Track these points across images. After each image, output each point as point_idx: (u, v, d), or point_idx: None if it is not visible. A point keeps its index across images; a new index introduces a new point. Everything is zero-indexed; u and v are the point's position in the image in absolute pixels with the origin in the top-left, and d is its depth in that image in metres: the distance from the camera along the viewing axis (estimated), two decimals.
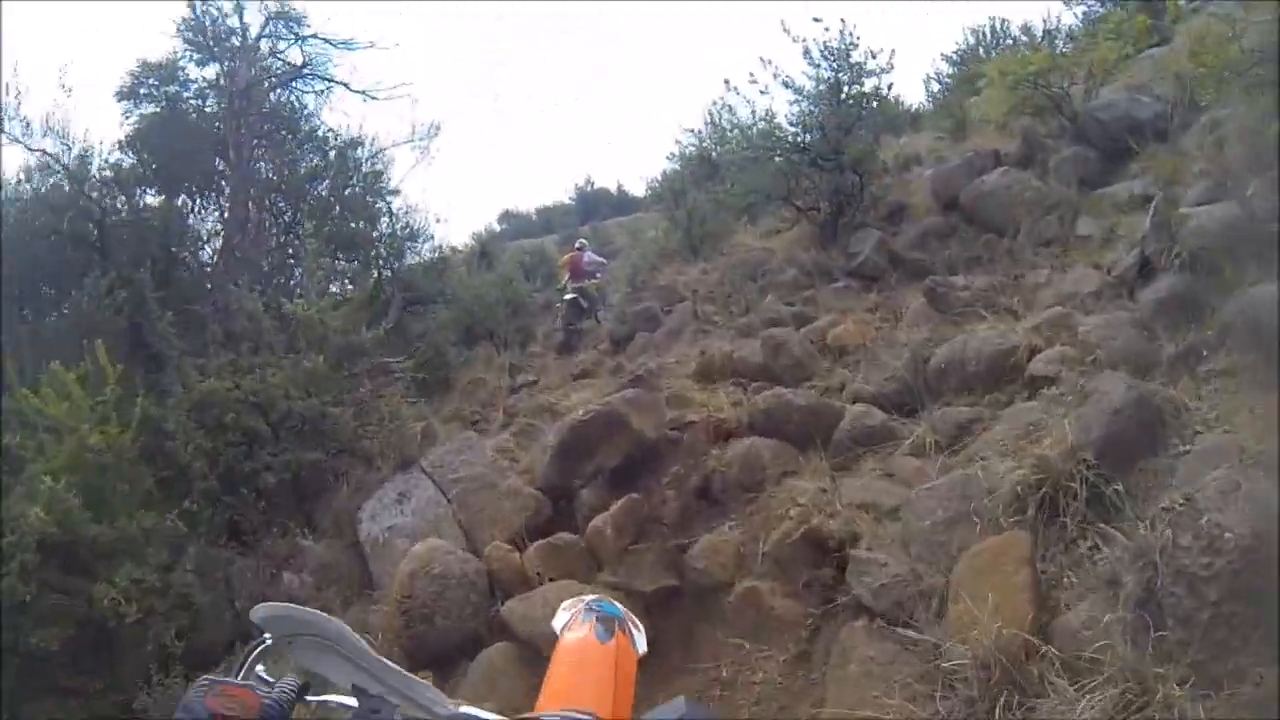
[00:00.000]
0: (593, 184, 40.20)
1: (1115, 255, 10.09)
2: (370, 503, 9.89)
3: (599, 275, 19.98)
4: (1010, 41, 22.09)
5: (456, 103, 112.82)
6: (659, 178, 27.31)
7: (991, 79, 14.54)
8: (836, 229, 14.49)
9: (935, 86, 25.33)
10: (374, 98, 17.59)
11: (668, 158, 25.41)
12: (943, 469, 7.68)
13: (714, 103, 23.48)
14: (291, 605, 1.52)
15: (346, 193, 17.55)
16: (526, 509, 9.12)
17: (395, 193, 18.36)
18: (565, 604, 2.42)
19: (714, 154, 23.19)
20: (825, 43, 14.57)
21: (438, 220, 19.62)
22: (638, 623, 2.41)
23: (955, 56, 24.44)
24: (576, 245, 20.52)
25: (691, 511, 8.67)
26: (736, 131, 16.71)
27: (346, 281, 17.18)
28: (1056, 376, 7.80)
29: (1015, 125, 14.43)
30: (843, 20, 14.70)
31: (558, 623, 2.35)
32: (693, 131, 23.99)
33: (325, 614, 1.50)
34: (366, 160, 17.99)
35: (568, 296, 18.83)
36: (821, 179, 14.49)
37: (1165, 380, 7.16)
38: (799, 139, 14.54)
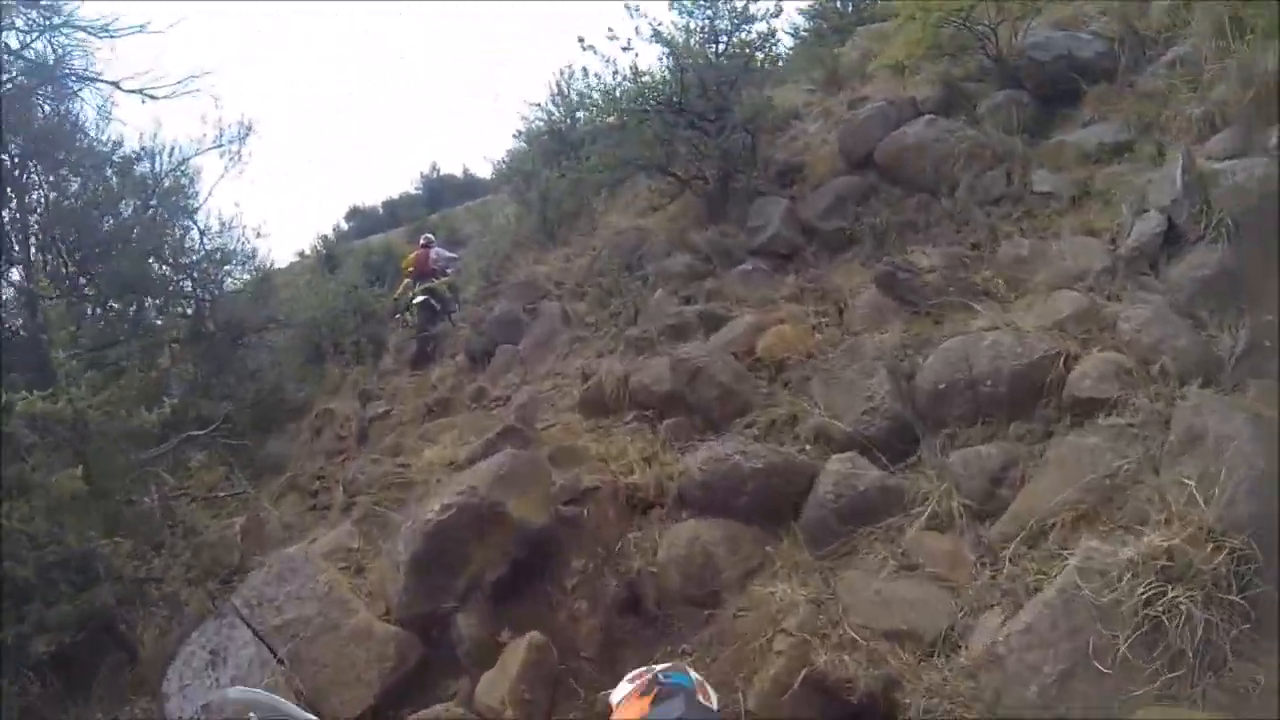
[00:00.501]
0: (438, 171, 37.31)
1: (1110, 219, 7.90)
2: (176, 667, 6.67)
3: (450, 271, 17.23)
4: None
5: (279, 101, 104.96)
6: (505, 159, 23.90)
7: (908, 16, 11.78)
8: (727, 198, 11.79)
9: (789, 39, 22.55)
10: (152, 96, 13.68)
11: (514, 136, 22.13)
12: (993, 558, 5.38)
13: (560, 71, 20.65)
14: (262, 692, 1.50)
15: (146, 215, 13.77)
16: (385, 659, 6.20)
17: (193, 211, 14.56)
18: (630, 674, 2.20)
19: (564, 127, 20.27)
20: None
21: (258, 234, 15.19)
22: (710, 693, 2.14)
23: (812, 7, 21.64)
24: (422, 241, 17.92)
25: (619, 636, 6.25)
26: (594, 96, 13.28)
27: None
28: (1116, 400, 5.80)
29: (927, 71, 11.81)
30: None
31: (616, 694, 2.15)
32: (539, 105, 20.77)
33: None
34: (165, 175, 14.24)
35: (417, 300, 16.15)
36: (705, 143, 11.55)
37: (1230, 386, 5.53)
38: (674, 98, 11.53)
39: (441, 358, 15.28)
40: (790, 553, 6.03)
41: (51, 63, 12.50)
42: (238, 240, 14.92)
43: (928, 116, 10.46)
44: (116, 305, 11.92)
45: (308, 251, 30.90)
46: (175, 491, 9.57)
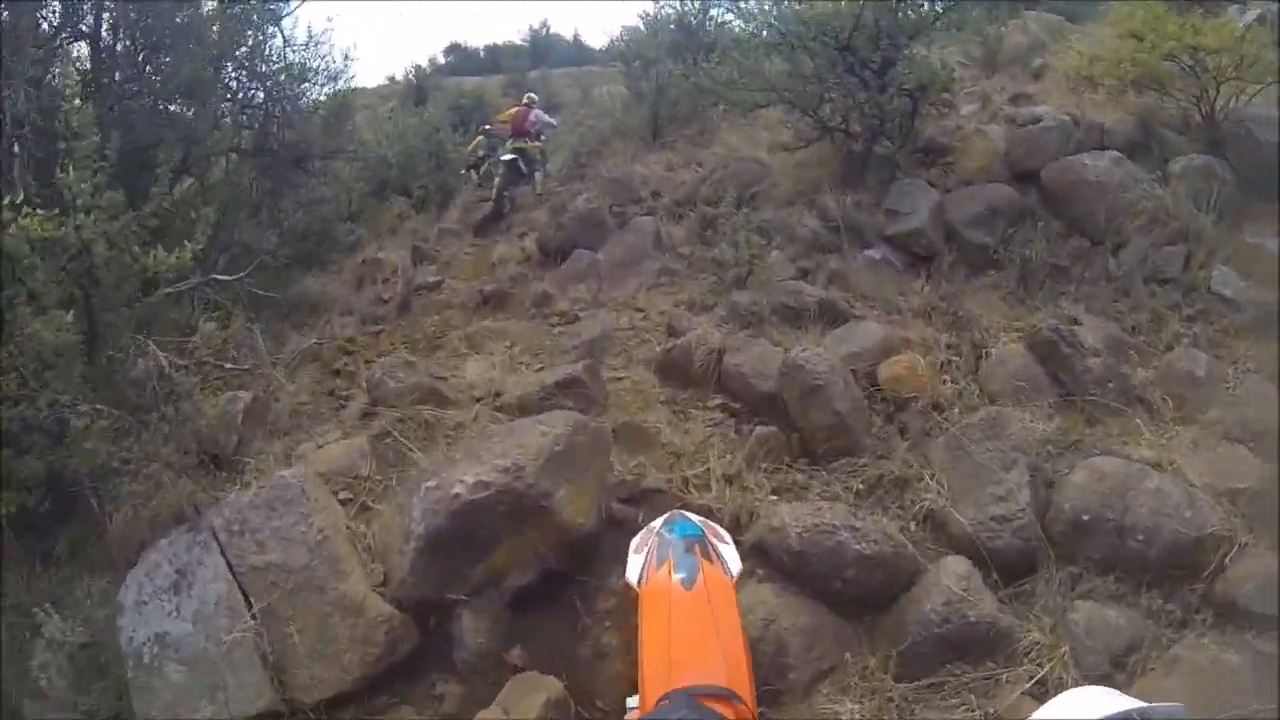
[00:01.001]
0: (548, 28, 35.62)
1: None
2: (136, 576, 5.45)
3: (544, 137, 15.75)
4: None
5: None
6: (623, 37, 22.00)
7: (1129, 32, 10.10)
8: (867, 164, 10.09)
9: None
10: None
11: (640, 15, 20.34)
12: None
13: None
14: None
15: (228, 9, 12.16)
16: (371, 644, 5.00)
17: (280, 18, 12.94)
18: (634, 543, 2.22)
19: (695, 21, 18.51)
20: None
21: (347, 57, 13.60)
22: (723, 534, 2.21)
23: None
24: (525, 99, 16.29)
25: None
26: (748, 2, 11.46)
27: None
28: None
29: (1112, 93, 10.37)
30: None
31: (632, 572, 2.13)
32: None
33: None
34: None
35: (506, 157, 14.69)
36: (863, 95, 9.79)
37: None
38: (845, 34, 9.69)
39: (510, 230, 13.88)
40: (868, 663, 4.84)
41: None
42: (324, 58, 13.61)
43: (1114, 154, 9.01)
44: (173, 108, 10.36)
45: (398, 78, 29.60)
46: (178, 349, 8.21)
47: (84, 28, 9.88)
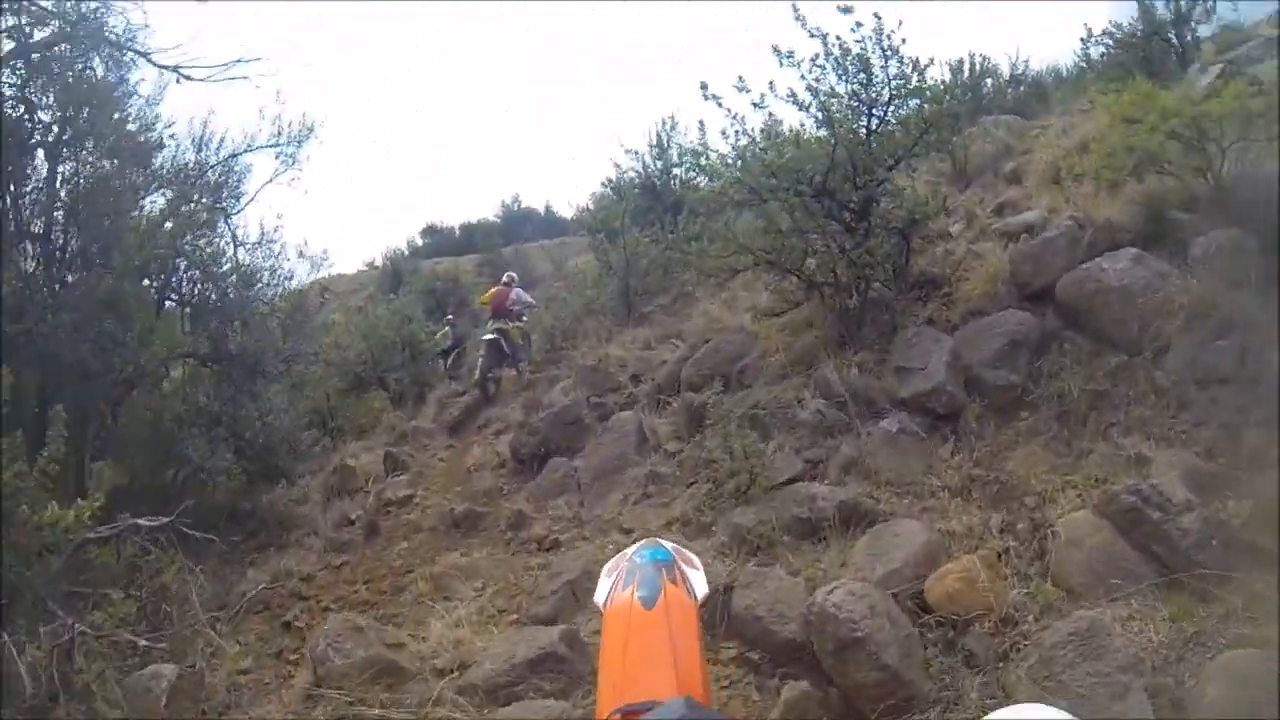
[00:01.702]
0: (520, 203, 35.53)
1: None
2: None
3: (525, 317, 15.30)
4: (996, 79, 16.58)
5: (350, 103, 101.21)
6: (590, 204, 20.99)
7: (1110, 117, 8.83)
8: (862, 319, 8.61)
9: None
10: (188, 77, 10.93)
11: (603, 183, 19.37)
12: None
13: (664, 120, 17.95)
14: None
15: (181, 208, 11.10)
16: None
17: (229, 214, 11.84)
18: (607, 567, 2.16)
19: (659, 182, 17.52)
20: (857, 40, 8.53)
21: (300, 254, 12.51)
22: (693, 559, 2.14)
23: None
24: (505, 279, 15.74)
25: None
26: (709, 157, 9.93)
27: None
28: None
29: (1101, 184, 8.82)
30: (877, 16, 8.52)
31: (600, 595, 2.08)
32: (634, 154, 18.01)
33: None
34: (210, 167, 11.56)
35: (487, 337, 14.25)
36: (847, 242, 8.47)
37: None
38: (819, 178, 8.39)
39: (486, 428, 12.66)
40: None
41: (73, 22, 9.86)
42: (276, 256, 12.51)
43: (1131, 251, 7.46)
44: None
45: (377, 263, 28.86)
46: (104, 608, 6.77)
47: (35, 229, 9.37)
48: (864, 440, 7.18)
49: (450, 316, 18.89)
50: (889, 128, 8.75)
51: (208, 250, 11.11)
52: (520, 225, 32.66)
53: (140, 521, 7.60)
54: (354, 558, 9.10)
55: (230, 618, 7.89)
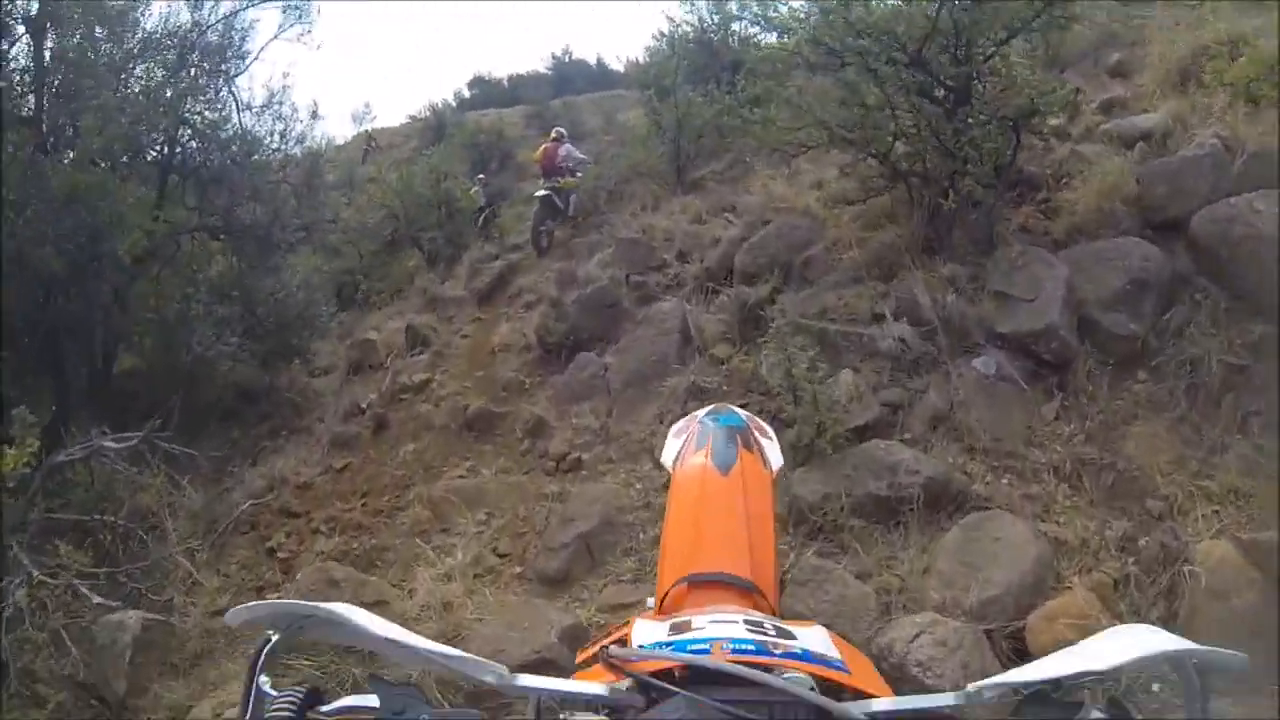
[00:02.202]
0: (570, 54, 32.55)
1: None
2: None
3: (579, 172, 14.11)
4: None
5: None
6: (645, 58, 19.00)
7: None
8: (954, 221, 6.74)
9: None
10: None
11: (655, 36, 17.48)
12: None
13: None
14: (279, 601, 0.99)
15: (180, 74, 9.69)
16: None
17: (233, 76, 10.35)
18: (675, 428, 2.03)
19: (715, 37, 15.58)
20: None
21: (313, 115, 11.01)
22: (766, 429, 1.96)
23: None
24: (554, 134, 14.65)
25: None
26: (780, 9, 7.90)
27: None
28: None
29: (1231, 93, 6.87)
30: None
31: (668, 455, 1.94)
32: (690, 4, 16.07)
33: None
34: (208, 27, 9.99)
35: (539, 194, 13.36)
36: (947, 128, 6.46)
37: None
38: (914, 46, 6.45)
39: (518, 299, 11.27)
40: None
41: None
42: (286, 119, 11.04)
43: None
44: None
45: (418, 115, 27.08)
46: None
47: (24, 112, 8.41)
48: (954, 382, 5.66)
49: (483, 176, 17.33)
50: None
51: (209, 117, 9.75)
52: (570, 78, 30.32)
53: (106, 443, 6.73)
54: (357, 459, 7.97)
55: (213, 543, 6.85)
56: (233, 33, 10.15)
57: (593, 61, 32.14)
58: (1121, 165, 6.68)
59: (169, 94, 9.12)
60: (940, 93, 6.69)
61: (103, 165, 7.94)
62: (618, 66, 27.44)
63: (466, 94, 31.78)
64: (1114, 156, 6.91)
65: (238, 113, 10.36)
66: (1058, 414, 5.44)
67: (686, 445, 1.87)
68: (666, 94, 12.94)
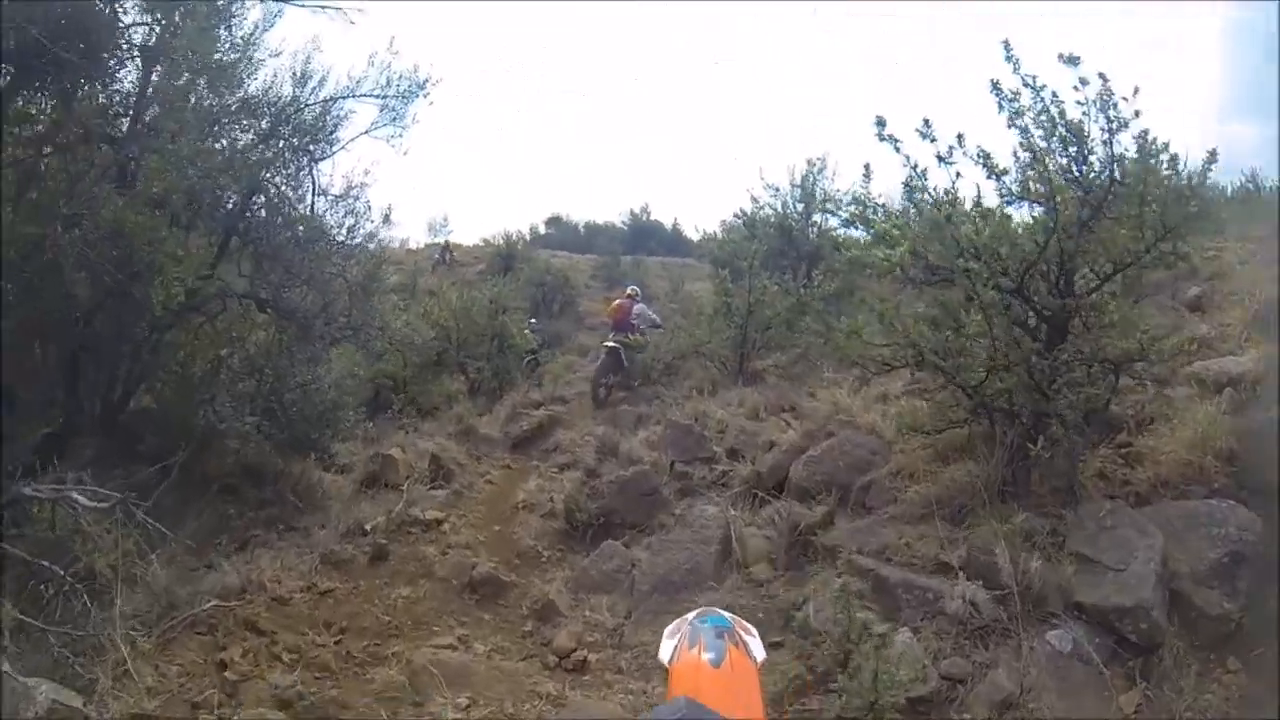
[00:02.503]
0: (649, 214, 33.11)
1: None
2: None
3: (647, 335, 14.06)
4: None
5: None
6: (718, 232, 18.83)
7: None
8: (1033, 465, 5.97)
9: None
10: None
11: (735, 214, 17.25)
12: None
13: (812, 160, 15.76)
14: None
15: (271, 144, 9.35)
16: None
17: (317, 159, 10.03)
18: (668, 630, 2.22)
19: (796, 225, 15.34)
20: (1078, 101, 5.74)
21: (385, 219, 10.45)
22: (749, 628, 2.19)
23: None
24: (629, 291, 15.22)
25: None
26: (874, 211, 6.95)
27: None
28: None
29: None
30: (1103, 77, 5.88)
31: (664, 653, 2.14)
32: (774, 189, 15.82)
33: None
34: (306, 105, 9.69)
35: (608, 344, 13.66)
36: (1040, 362, 5.79)
37: None
38: (1014, 271, 5.76)
39: (554, 453, 10.84)
40: None
41: None
42: (359, 215, 10.71)
43: None
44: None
45: (495, 240, 27.05)
46: None
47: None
48: (1025, 660, 4.83)
49: (534, 320, 17.72)
50: (1106, 221, 5.98)
51: (286, 193, 9.36)
52: (644, 237, 30.77)
53: (77, 496, 5.91)
54: (345, 586, 7.18)
55: (162, 634, 5.91)
56: (328, 117, 9.85)
57: (668, 225, 32.37)
58: (1211, 414, 5.92)
59: (252, 159, 8.72)
60: (1034, 323, 6.09)
61: (159, 211, 7.45)
62: (692, 234, 27.52)
63: (542, 230, 32.02)
64: (1201, 402, 6.21)
65: (313, 195, 10.01)
66: (1138, 707, 4.59)
67: (681, 644, 2.03)
68: (740, 276, 12.36)
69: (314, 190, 10.05)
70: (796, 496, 6.99)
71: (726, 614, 2.24)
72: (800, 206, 15.58)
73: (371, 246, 10.68)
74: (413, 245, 29.33)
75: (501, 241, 26.24)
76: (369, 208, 10.39)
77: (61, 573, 5.60)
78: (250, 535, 8.37)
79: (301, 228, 9.24)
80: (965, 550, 5.50)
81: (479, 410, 13.45)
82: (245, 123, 9.04)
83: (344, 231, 10.28)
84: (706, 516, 6.87)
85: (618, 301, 14.56)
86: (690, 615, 2.24)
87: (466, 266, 26.39)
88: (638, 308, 14.30)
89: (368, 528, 8.34)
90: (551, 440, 11.27)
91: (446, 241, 27.78)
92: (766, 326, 11.81)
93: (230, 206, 8.98)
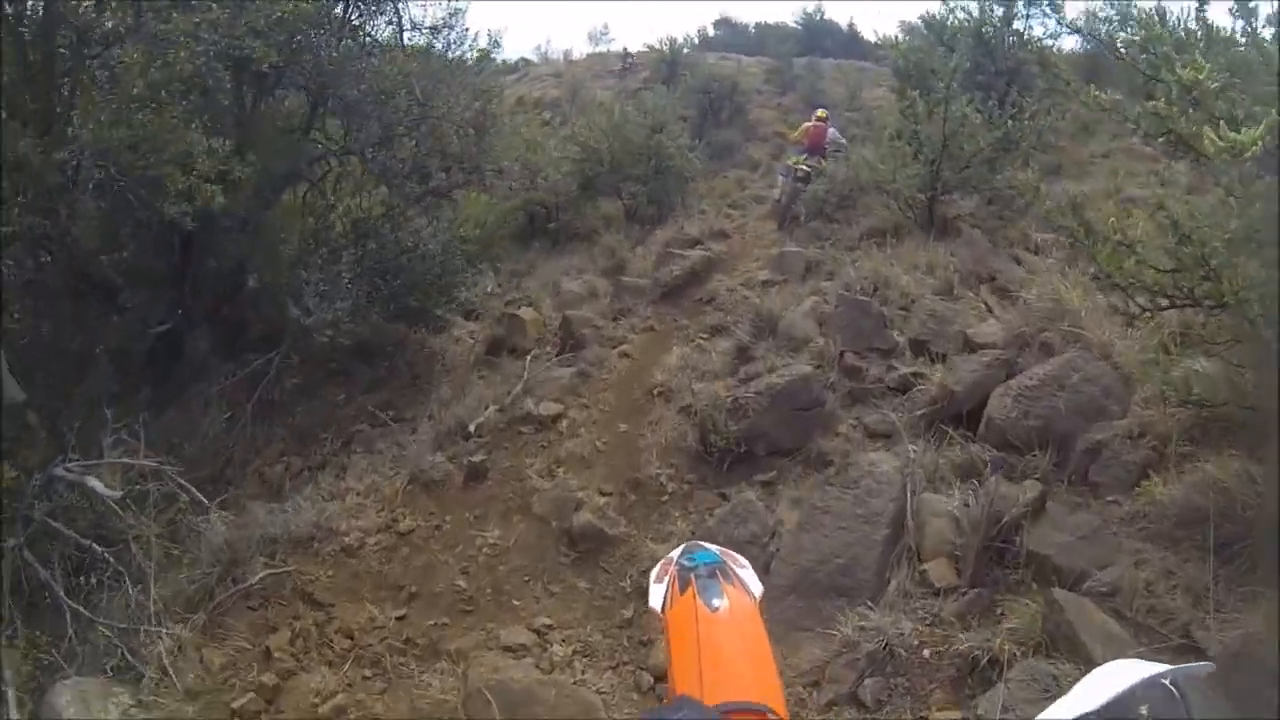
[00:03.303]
0: (822, 13, 29.35)
1: None
2: None
3: (837, 156, 12.41)
4: None
5: None
6: (900, 37, 15.35)
7: None
8: None
9: None
10: None
11: (922, 17, 14.15)
12: None
13: None
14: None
15: None
16: None
17: None
18: (654, 573, 1.92)
19: (991, 33, 12.28)
20: None
21: (495, 43, 8.50)
22: (740, 559, 1.90)
23: None
24: (819, 114, 13.43)
25: None
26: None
27: None
28: None
29: None
30: None
31: (655, 600, 1.84)
32: None
33: None
34: None
35: (802, 168, 11.85)
36: None
37: None
38: None
39: (709, 306, 8.94)
40: None
41: None
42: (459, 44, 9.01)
43: None
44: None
45: (655, 46, 24.29)
46: None
47: None
48: None
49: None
50: None
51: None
52: (819, 37, 27.38)
53: (94, 484, 5.18)
54: (428, 525, 5.77)
55: (213, 607, 4.89)
56: None
57: (843, 25, 29.18)
58: None
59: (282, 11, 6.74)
60: None
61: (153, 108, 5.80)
62: (870, 36, 24.83)
63: (710, 33, 29.22)
64: None
65: (400, 33, 8.34)
66: None
67: (671, 589, 1.79)
68: (928, 91, 9.47)
69: (400, 28, 8.33)
70: (996, 441, 4.97)
71: (714, 547, 1.85)
72: (999, 10, 12.48)
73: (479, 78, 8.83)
74: (575, 56, 27.15)
75: (666, 47, 23.35)
76: (474, 36, 8.70)
77: (104, 553, 4.95)
78: (354, 431, 7.36)
79: (369, 77, 7.48)
80: (1238, 633, 3.33)
81: (633, 240, 11.81)
82: None
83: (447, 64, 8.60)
84: (878, 475, 4.80)
85: (811, 124, 13.05)
86: (675, 554, 1.85)
87: (630, 75, 23.98)
88: (831, 131, 13.00)
89: (471, 428, 6.95)
90: (706, 289, 9.37)
91: (625, 49, 25.24)
92: (965, 165, 9.19)
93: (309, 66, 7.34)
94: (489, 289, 10.10)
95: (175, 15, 5.79)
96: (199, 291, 7.48)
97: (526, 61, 28.33)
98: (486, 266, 10.32)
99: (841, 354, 6.44)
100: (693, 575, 1.77)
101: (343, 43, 7.47)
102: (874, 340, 6.53)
